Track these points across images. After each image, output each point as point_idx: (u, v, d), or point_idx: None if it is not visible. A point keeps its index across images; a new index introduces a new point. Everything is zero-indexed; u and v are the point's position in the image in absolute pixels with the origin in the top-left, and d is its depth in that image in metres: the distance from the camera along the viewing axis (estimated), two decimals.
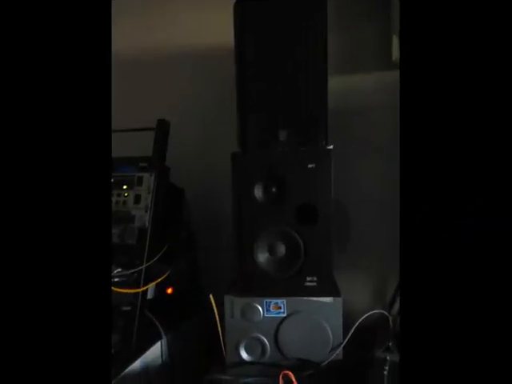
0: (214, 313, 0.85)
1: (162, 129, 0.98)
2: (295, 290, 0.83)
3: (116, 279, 0.86)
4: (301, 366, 0.83)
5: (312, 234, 0.81)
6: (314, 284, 0.82)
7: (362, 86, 1.13)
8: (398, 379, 0.73)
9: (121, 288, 0.85)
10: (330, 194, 0.81)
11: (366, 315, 0.86)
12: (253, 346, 0.86)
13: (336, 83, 0.95)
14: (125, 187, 0.95)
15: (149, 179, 0.94)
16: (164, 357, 0.89)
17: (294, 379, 0.73)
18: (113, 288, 0.83)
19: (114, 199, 0.95)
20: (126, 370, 0.77)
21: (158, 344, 0.88)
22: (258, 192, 0.83)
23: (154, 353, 0.87)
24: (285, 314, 0.85)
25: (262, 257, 0.84)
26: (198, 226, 1.13)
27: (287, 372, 0.74)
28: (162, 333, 0.89)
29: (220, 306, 0.86)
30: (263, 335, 0.85)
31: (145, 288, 0.87)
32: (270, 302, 0.85)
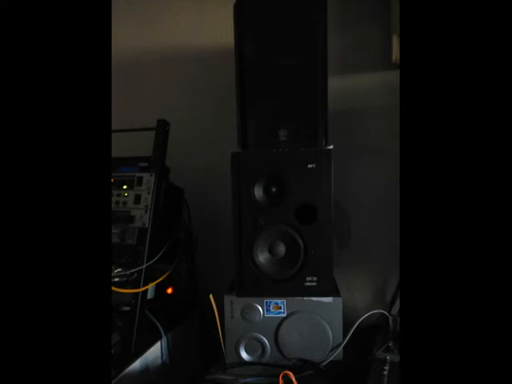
0: (214, 313, 0.85)
1: (162, 129, 0.98)
2: (295, 290, 0.83)
3: (116, 279, 0.86)
4: (301, 366, 0.83)
5: (312, 234, 0.81)
6: (314, 284, 0.82)
7: (361, 86, 1.13)
8: (398, 379, 0.73)
9: (121, 288, 0.85)
10: (330, 193, 0.81)
11: (366, 315, 0.86)
12: (253, 346, 0.86)
13: (336, 83, 0.95)
14: (125, 187, 0.95)
15: (149, 179, 0.94)
16: (164, 357, 0.89)
17: (293, 379, 0.73)
18: (113, 288, 0.83)
19: (114, 199, 0.95)
20: (126, 370, 0.78)
21: (158, 344, 0.89)
22: (258, 192, 0.83)
23: (154, 353, 0.87)
24: (285, 314, 0.85)
25: (262, 257, 0.84)
26: (197, 226, 1.14)
27: (287, 372, 0.74)
28: (162, 333, 0.89)
29: (220, 306, 0.86)
30: (263, 335, 0.85)
31: (145, 288, 0.87)
32: (270, 302, 0.85)
